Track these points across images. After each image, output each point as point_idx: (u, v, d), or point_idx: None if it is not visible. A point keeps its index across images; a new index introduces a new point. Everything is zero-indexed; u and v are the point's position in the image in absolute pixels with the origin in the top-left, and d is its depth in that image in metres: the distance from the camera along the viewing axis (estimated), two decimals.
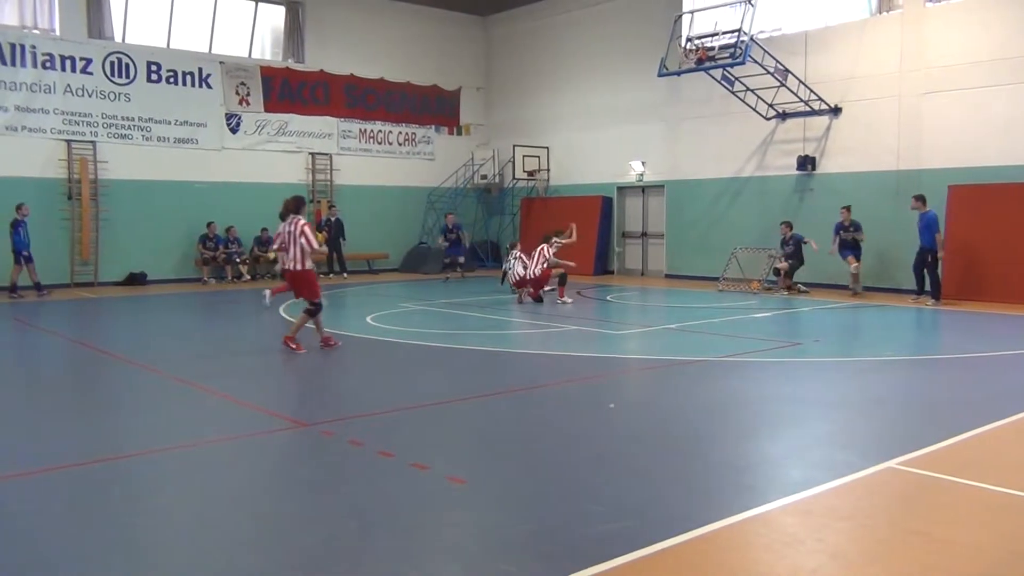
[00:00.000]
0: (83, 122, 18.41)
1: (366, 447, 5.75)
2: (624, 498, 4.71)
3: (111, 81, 18.70)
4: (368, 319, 12.87)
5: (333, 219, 20.89)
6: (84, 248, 18.33)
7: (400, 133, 23.60)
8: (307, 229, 9.59)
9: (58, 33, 18.14)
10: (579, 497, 4.72)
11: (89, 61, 18.37)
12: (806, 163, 17.60)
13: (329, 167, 22.12)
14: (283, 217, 9.77)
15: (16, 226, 16.17)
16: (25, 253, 16.22)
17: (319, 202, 21.69)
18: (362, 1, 22.73)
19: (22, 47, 17.54)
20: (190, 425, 6.62)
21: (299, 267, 9.63)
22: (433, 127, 24.31)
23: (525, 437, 6.24)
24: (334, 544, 4.09)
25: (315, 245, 9.65)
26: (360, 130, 22.78)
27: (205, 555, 4.03)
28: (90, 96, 18.44)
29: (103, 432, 6.46)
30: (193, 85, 19.88)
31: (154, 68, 19.29)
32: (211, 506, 4.71)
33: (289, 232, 9.61)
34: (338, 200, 21.68)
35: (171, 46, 19.76)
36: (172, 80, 19.56)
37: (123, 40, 19.09)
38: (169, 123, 19.52)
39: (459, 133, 24.89)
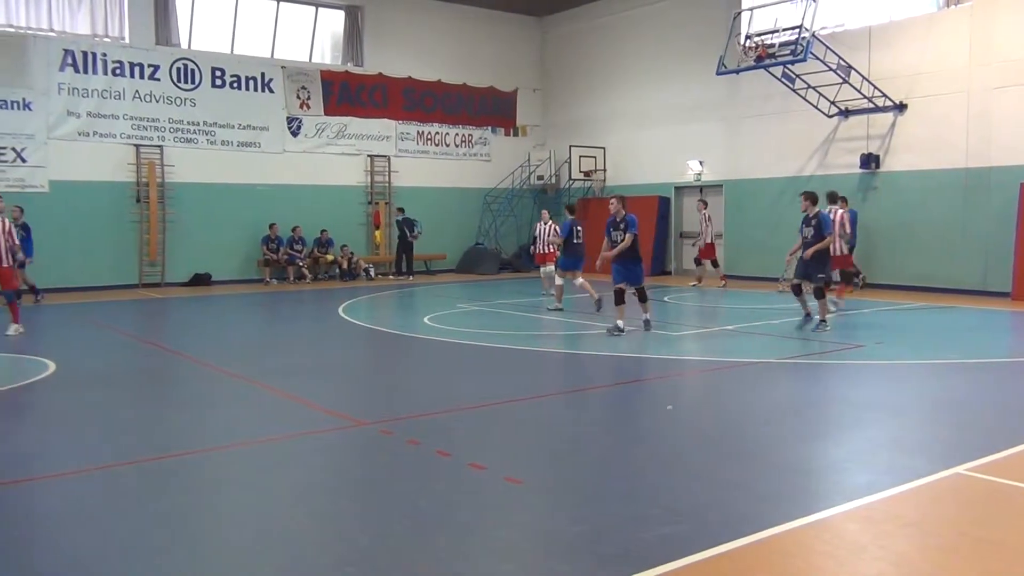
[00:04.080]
0: (151, 127, 18.95)
1: (424, 446, 5.80)
2: (682, 501, 4.67)
3: (177, 87, 19.22)
4: (426, 319, 12.99)
5: (400, 219, 21.23)
6: (152, 249, 18.87)
7: (457, 135, 23.74)
8: None
9: (128, 41, 18.70)
10: (636, 499, 4.69)
11: (157, 68, 18.91)
12: (870, 161, 17.19)
13: (387, 169, 22.36)
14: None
15: None
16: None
17: (376, 204, 22.00)
18: (420, 4, 22.94)
19: (94, 55, 18.16)
20: (253, 423, 6.78)
21: None
22: (490, 128, 24.40)
23: (582, 438, 6.23)
24: (390, 542, 4.14)
25: None
26: (418, 132, 22.98)
27: (265, 551, 4.12)
28: (157, 102, 18.98)
29: (171, 429, 6.65)
30: (256, 90, 20.32)
31: (218, 74, 19.77)
32: (271, 502, 4.81)
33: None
34: (397, 201, 21.90)
35: (235, 52, 20.23)
36: (236, 85, 20.02)
37: (189, 47, 19.61)
38: (232, 127, 19.99)
39: (515, 134, 24.93)
